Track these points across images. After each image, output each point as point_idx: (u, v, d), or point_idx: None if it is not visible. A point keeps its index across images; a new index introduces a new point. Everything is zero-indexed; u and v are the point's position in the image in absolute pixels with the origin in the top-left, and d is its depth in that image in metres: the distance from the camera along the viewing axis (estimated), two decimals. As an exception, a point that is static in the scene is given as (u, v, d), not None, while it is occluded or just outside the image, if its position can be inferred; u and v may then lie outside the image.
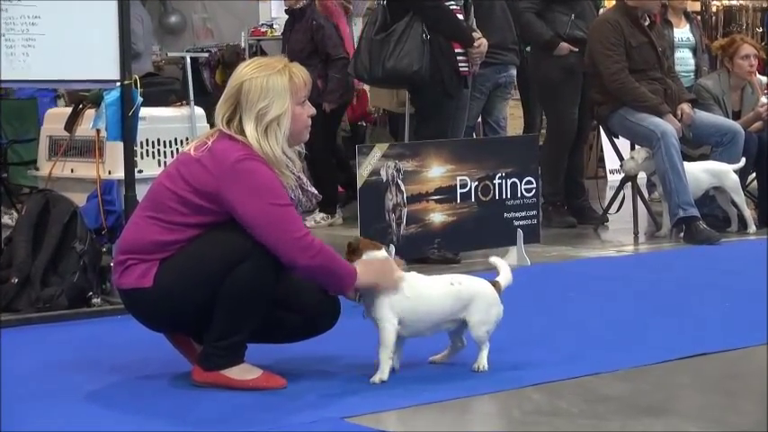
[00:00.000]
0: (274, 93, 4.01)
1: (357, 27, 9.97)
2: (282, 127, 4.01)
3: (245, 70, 4.06)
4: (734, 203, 8.03)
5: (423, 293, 4.12)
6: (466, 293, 4.17)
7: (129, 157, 5.69)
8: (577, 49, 8.39)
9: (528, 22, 8.56)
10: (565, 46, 8.42)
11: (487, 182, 6.68)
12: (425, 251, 6.48)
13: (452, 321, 4.19)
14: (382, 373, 4.02)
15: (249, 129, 3.98)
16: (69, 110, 6.50)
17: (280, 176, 3.98)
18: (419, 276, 4.21)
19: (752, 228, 8.03)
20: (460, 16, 7.03)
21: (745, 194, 8.19)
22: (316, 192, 4.24)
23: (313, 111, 4.16)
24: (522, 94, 9.75)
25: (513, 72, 8.64)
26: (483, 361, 4.19)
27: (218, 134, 4.03)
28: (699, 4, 14.41)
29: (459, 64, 6.97)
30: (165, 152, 6.61)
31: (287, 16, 9.14)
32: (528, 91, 9.55)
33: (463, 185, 6.57)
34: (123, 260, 3.99)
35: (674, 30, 9.36)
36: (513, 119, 12.32)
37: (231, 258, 3.88)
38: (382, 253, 4.13)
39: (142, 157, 6.28)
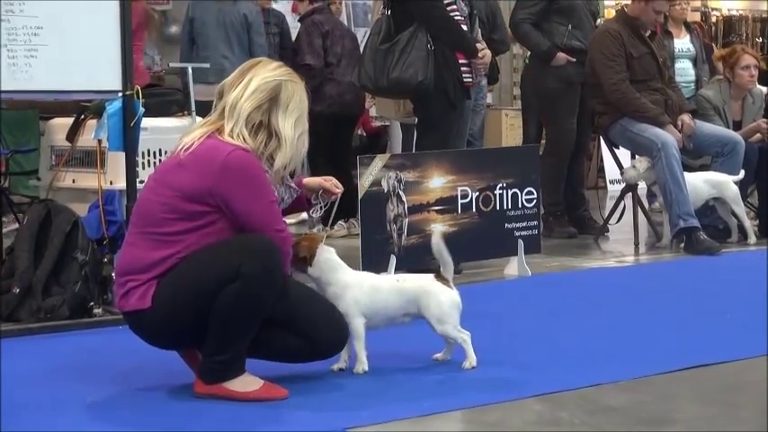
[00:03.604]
0: (306, 108, 4.17)
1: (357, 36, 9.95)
2: (306, 141, 4.16)
3: (280, 71, 4.14)
4: (734, 214, 8.04)
5: (375, 290, 4.33)
6: (410, 289, 4.35)
7: (130, 168, 5.69)
8: (575, 60, 8.42)
9: (525, 33, 8.59)
10: (562, 56, 8.44)
11: (488, 192, 6.69)
12: (426, 262, 6.46)
13: (405, 316, 4.37)
14: (363, 364, 4.26)
15: (287, 126, 4.06)
16: (71, 120, 6.51)
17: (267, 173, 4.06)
18: (371, 275, 4.47)
19: (752, 238, 8.04)
20: (464, 27, 7.04)
21: (745, 205, 8.20)
22: (295, 186, 4.30)
23: None
24: (523, 104, 9.75)
25: (483, 82, 8.66)
26: (471, 358, 4.32)
27: (205, 137, 4.03)
28: (699, 14, 14.46)
29: (463, 75, 6.99)
30: (166, 162, 6.60)
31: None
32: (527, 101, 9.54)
33: (464, 196, 6.58)
34: (123, 282, 4.01)
35: (674, 40, 9.39)
36: (513, 129, 12.37)
37: (222, 278, 3.88)
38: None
39: (144, 168, 6.27)
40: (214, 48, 8.57)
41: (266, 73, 4.11)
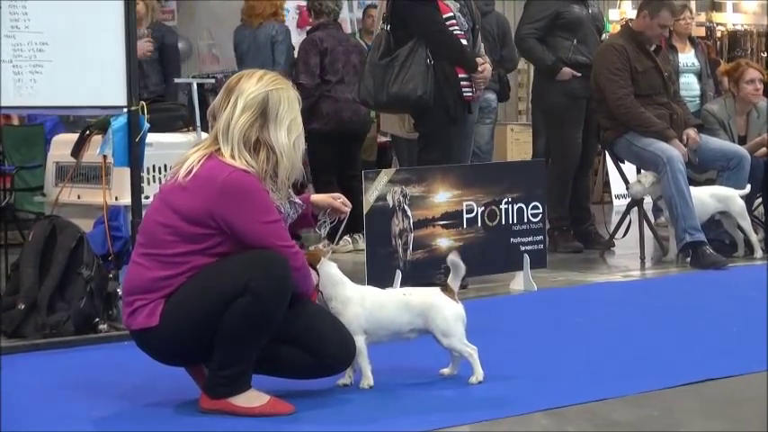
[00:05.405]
0: (297, 109, 4.12)
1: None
2: (301, 143, 4.12)
3: (263, 82, 4.08)
4: (740, 228, 8.03)
5: (379, 305, 4.32)
6: (416, 303, 4.34)
7: (135, 183, 5.70)
8: (580, 74, 8.42)
9: (530, 48, 8.60)
10: (567, 71, 8.44)
11: (494, 207, 6.68)
12: (432, 276, 6.47)
13: (412, 331, 4.36)
14: (368, 379, 4.26)
15: (281, 136, 4.03)
16: (76, 136, 6.52)
17: (270, 192, 4.02)
18: (376, 290, 4.44)
19: (758, 252, 8.03)
20: (464, 41, 7.03)
21: (751, 219, 8.18)
22: (300, 201, 4.29)
23: None
24: (533, 118, 9.76)
25: (491, 96, 8.66)
26: (478, 372, 4.32)
27: (205, 158, 4.01)
28: (704, 29, 14.46)
29: (463, 89, 6.98)
30: (171, 178, 6.61)
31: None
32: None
33: (470, 210, 6.57)
34: (131, 301, 4.01)
35: (679, 55, 9.38)
36: (518, 143, 12.38)
37: (230, 294, 3.88)
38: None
39: (149, 183, 6.28)
40: (245, 68, 8.70)
41: (250, 88, 4.06)
